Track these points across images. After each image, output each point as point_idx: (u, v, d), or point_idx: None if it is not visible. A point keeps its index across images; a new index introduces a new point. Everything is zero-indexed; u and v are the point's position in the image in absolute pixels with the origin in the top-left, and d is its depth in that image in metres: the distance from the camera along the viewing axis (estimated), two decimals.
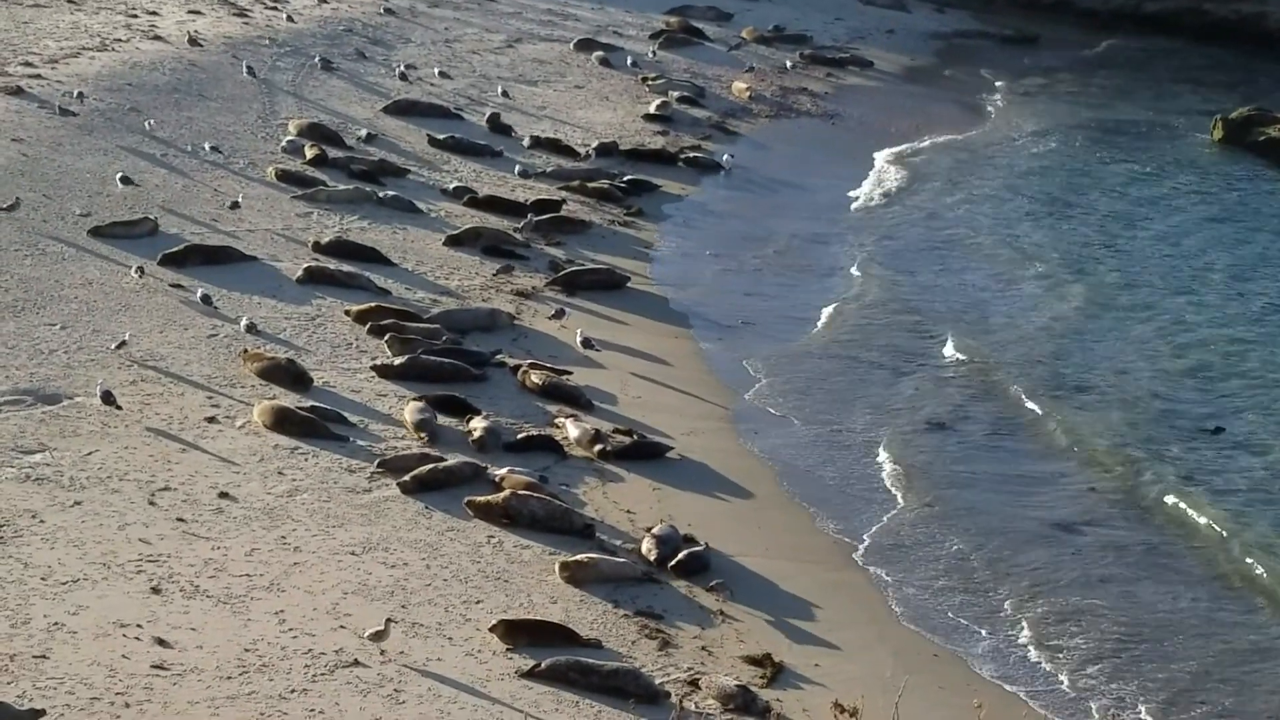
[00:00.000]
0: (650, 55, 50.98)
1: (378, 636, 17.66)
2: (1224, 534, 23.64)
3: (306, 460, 22.10)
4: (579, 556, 20.25)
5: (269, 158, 35.07)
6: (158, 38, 42.69)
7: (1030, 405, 27.98)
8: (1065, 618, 21.05)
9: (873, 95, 52.28)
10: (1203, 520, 24.01)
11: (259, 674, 16.94)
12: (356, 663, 17.39)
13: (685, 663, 18.56)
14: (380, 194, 33.79)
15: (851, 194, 41.16)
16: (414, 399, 24.19)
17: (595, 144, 40.26)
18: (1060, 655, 20.16)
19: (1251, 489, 25.43)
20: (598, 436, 24.02)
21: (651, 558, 20.76)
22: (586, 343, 27.75)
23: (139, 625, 17.50)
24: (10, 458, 20.86)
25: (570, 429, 24.26)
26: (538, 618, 18.84)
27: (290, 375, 24.50)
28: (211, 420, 22.89)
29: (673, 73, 49.29)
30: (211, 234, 30.18)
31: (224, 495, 20.73)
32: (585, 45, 50.41)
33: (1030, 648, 20.30)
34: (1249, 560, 22.87)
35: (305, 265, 29.11)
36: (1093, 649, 20.34)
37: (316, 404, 23.67)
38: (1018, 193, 42.86)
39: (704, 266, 33.74)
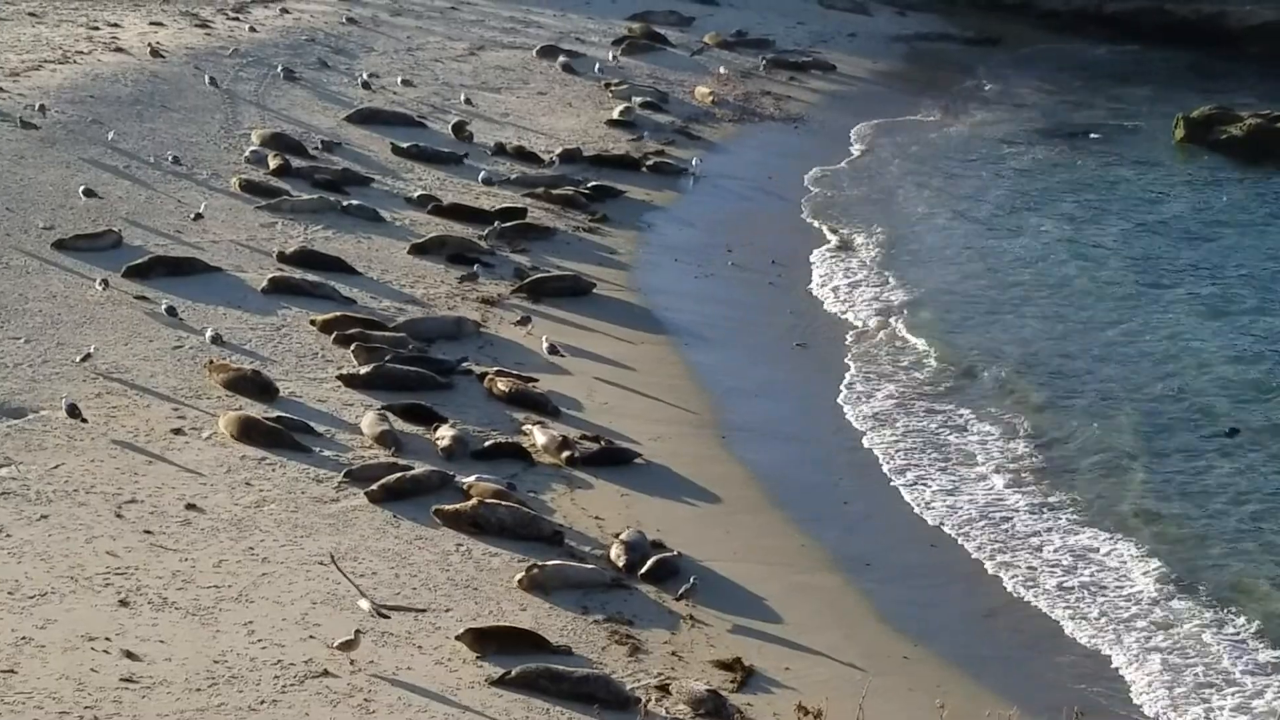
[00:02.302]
0: (611, 59, 51.03)
1: (347, 646, 17.64)
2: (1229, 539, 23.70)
3: (274, 470, 22.07)
4: (532, 570, 20.14)
5: (232, 168, 35.00)
6: (119, 49, 42.58)
7: (1019, 412, 27.94)
8: (1042, 618, 21.12)
9: (836, 99, 52.32)
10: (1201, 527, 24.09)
11: (228, 685, 16.91)
12: (326, 673, 17.38)
13: (655, 668, 18.58)
14: (344, 203, 33.75)
15: (814, 199, 41.20)
16: (370, 410, 24.14)
17: (559, 150, 40.26)
18: (1033, 655, 20.22)
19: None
20: (565, 443, 24.01)
21: (620, 564, 20.77)
22: (553, 349, 27.76)
23: (107, 638, 17.46)
24: None
25: (538, 436, 24.25)
26: (507, 625, 18.84)
27: (256, 386, 24.47)
28: (178, 432, 22.85)
29: (636, 78, 49.30)
30: (176, 245, 30.11)
31: (191, 507, 20.69)
32: (548, 52, 50.41)
33: (1005, 649, 20.34)
34: (1253, 566, 22.84)
35: (270, 275, 29.06)
36: (1065, 649, 20.41)
37: (283, 414, 23.63)
38: (984, 196, 42.87)
39: (669, 271, 33.75)
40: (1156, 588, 21.93)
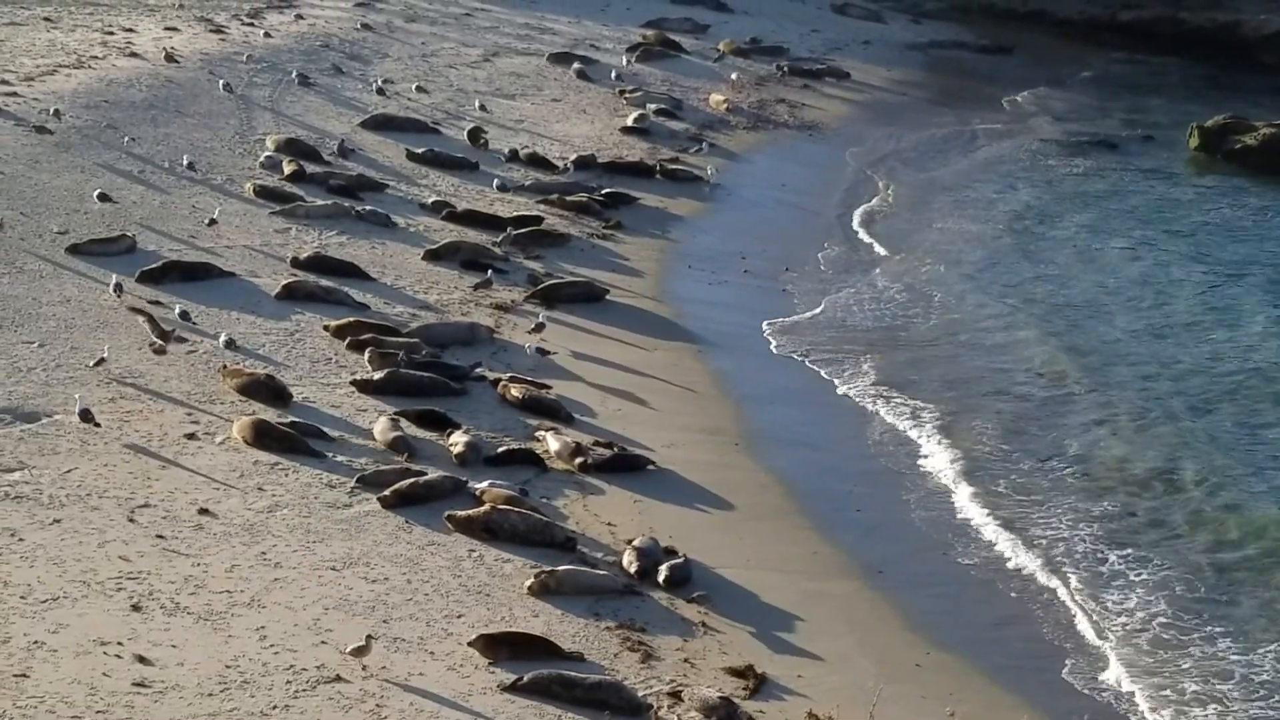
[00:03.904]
0: (624, 63, 51.08)
1: (359, 652, 17.63)
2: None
3: (286, 476, 22.08)
4: (543, 576, 20.14)
5: (247, 173, 35.05)
6: (134, 54, 42.67)
7: (1037, 420, 27.85)
8: (1056, 628, 21.08)
9: (850, 107, 52.31)
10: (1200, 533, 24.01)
11: (240, 690, 16.91)
12: (338, 678, 17.37)
13: (668, 675, 18.55)
14: (358, 209, 33.77)
15: (828, 207, 41.22)
16: (383, 416, 24.14)
17: (573, 157, 40.25)
18: (1046, 664, 20.17)
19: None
20: (578, 449, 24.00)
21: (632, 570, 20.75)
22: (541, 352, 27.74)
23: (119, 643, 17.47)
24: None
25: (551, 442, 24.24)
26: (519, 631, 18.83)
27: (270, 391, 24.48)
28: (191, 437, 22.86)
29: (650, 85, 49.30)
30: (190, 250, 30.15)
31: (204, 512, 20.69)
32: (562, 59, 50.44)
33: (1018, 658, 20.29)
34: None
35: (284, 281, 29.08)
36: (1078, 658, 20.38)
37: (296, 419, 23.65)
38: (998, 206, 42.73)
39: (683, 278, 33.72)
40: (1172, 602, 21.85)
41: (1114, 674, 20.03)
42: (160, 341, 25.43)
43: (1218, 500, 25.17)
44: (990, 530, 23.67)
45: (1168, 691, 19.77)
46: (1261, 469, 26.47)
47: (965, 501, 24.57)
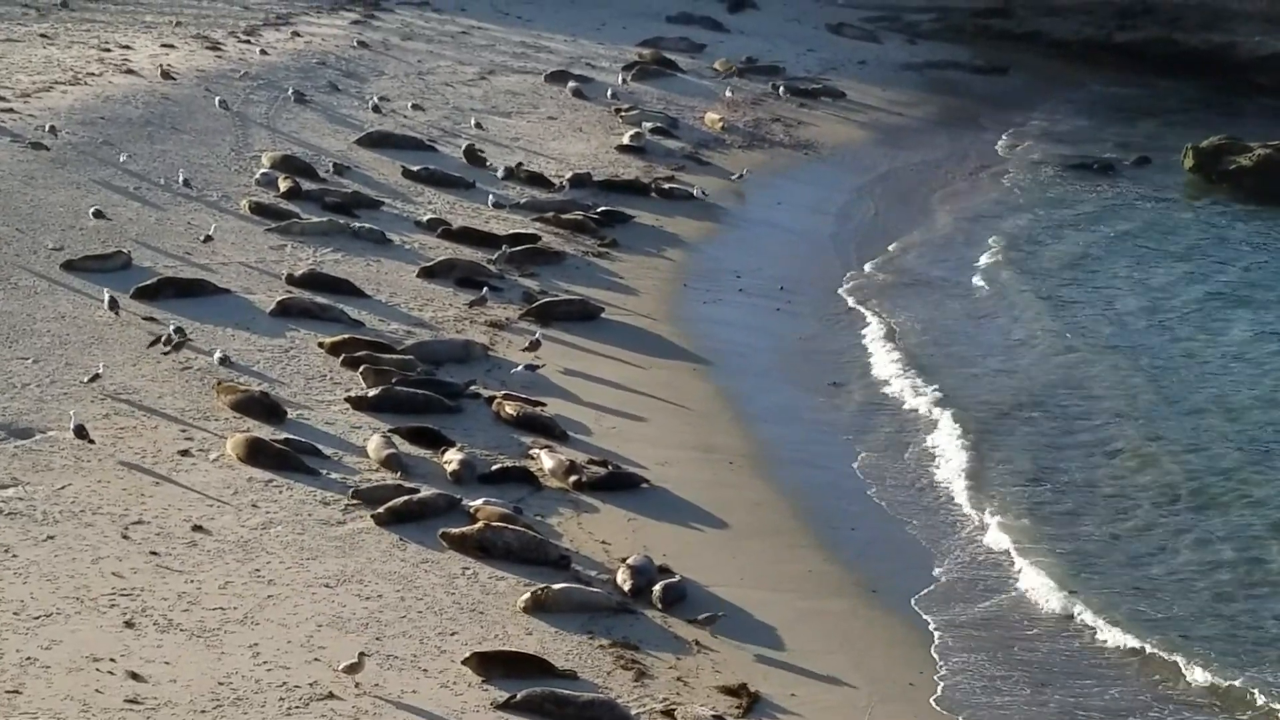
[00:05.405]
0: (620, 82, 51.14)
1: (352, 669, 17.61)
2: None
3: (280, 493, 22.06)
4: (537, 593, 20.14)
5: (242, 190, 35.06)
6: (130, 71, 42.71)
7: (1035, 449, 27.75)
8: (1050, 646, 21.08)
9: (845, 127, 52.37)
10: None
11: (233, 708, 16.88)
12: (331, 696, 17.34)
13: (661, 693, 18.53)
14: (354, 226, 33.77)
15: (822, 227, 41.28)
16: (376, 433, 24.12)
17: (569, 175, 40.28)
18: (1037, 687, 20.17)
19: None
20: (572, 467, 23.99)
21: (626, 588, 20.73)
22: (530, 368, 27.73)
23: (112, 659, 17.44)
24: None
25: (545, 460, 24.23)
26: (512, 649, 18.81)
27: (264, 408, 24.47)
28: (185, 453, 22.84)
29: (646, 104, 49.34)
30: (185, 267, 30.15)
31: (197, 528, 20.68)
32: (558, 77, 50.50)
33: (1009, 678, 20.29)
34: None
35: (279, 298, 29.08)
36: (1071, 678, 20.36)
37: (290, 436, 23.63)
38: (991, 229, 42.57)
39: (677, 296, 33.72)
40: (1174, 611, 21.86)
41: (1113, 693, 20.01)
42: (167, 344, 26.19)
43: (1219, 524, 25.12)
44: (986, 548, 23.67)
45: (1169, 703, 19.79)
46: (1271, 496, 26.32)
47: (961, 520, 24.58)
